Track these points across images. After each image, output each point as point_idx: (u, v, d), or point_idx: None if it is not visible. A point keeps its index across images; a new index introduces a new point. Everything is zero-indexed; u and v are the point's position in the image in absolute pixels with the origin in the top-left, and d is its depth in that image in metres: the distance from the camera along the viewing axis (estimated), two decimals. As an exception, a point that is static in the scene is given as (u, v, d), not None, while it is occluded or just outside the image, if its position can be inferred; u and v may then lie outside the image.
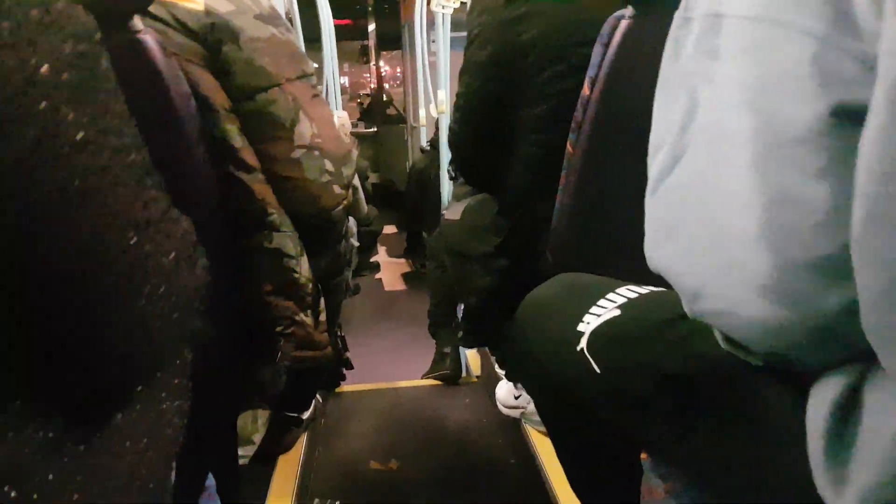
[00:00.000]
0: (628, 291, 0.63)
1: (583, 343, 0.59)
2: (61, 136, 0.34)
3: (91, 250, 0.37)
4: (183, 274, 0.44)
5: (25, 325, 0.37)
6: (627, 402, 0.55)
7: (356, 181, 1.66)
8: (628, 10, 0.77)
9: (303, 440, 1.56)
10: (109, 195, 0.37)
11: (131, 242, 0.38)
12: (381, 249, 4.13)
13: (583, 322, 0.61)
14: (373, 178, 5.67)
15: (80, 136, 0.35)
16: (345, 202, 1.02)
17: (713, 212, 0.39)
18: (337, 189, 0.98)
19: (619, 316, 0.59)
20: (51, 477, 0.39)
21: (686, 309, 0.44)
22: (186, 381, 0.56)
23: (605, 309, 0.60)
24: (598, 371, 0.57)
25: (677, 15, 0.45)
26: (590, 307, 0.62)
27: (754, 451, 0.45)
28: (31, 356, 0.38)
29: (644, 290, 0.63)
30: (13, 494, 0.37)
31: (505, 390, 1.63)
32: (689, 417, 0.50)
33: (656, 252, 0.46)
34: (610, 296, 0.62)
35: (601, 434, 0.63)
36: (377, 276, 3.72)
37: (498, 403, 1.65)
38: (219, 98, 0.85)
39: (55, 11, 0.36)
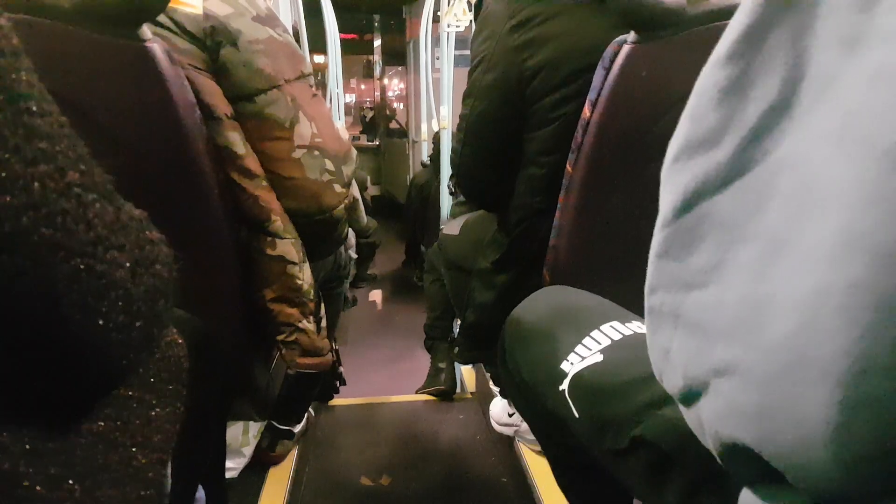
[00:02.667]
0: (613, 331, 0.60)
1: (565, 384, 0.58)
2: None
3: (36, 285, 0.34)
4: (142, 279, 0.41)
5: None
6: (604, 451, 0.54)
7: (356, 192, 1.66)
8: (631, 36, 0.79)
9: (294, 453, 1.55)
10: (47, 228, 0.34)
11: (80, 268, 0.36)
12: (379, 261, 4.13)
13: (566, 361, 0.60)
14: (373, 190, 5.70)
15: (0, 174, 0.31)
16: (346, 201, 1.02)
17: (779, 289, 0.27)
18: (338, 188, 0.98)
19: (600, 362, 0.57)
20: (38, 488, 0.39)
21: (688, 379, 0.34)
22: (181, 387, 0.56)
23: (590, 351, 0.59)
24: (577, 416, 0.57)
25: None
26: (574, 345, 0.60)
27: None
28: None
29: (629, 329, 0.61)
30: None
31: (499, 407, 1.63)
32: (660, 480, 0.48)
33: (670, 293, 0.35)
34: (595, 334, 0.60)
35: (590, 463, 0.62)
36: (374, 288, 3.72)
37: (492, 420, 1.65)
38: (221, 105, 0.85)
39: None
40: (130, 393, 0.50)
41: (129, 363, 0.44)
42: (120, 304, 0.39)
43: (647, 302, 0.37)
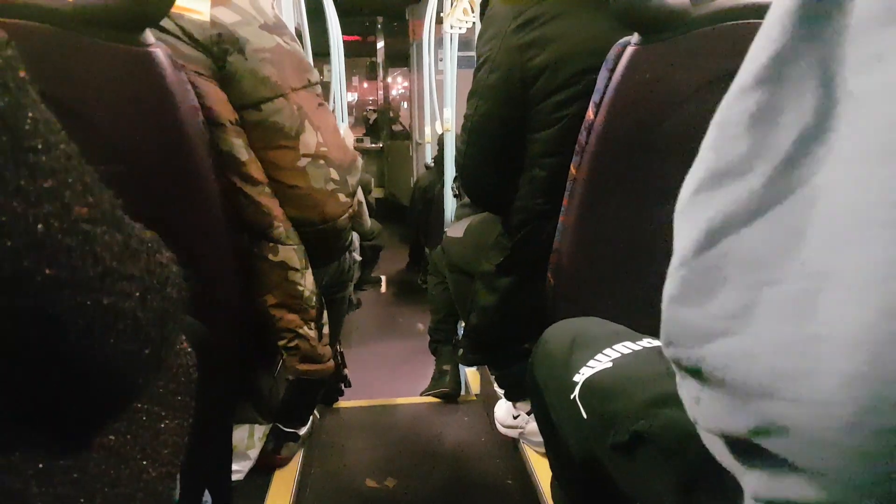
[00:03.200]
0: (624, 348, 0.62)
1: (576, 392, 0.59)
2: None
3: (41, 323, 0.34)
4: (152, 304, 0.41)
5: None
6: (607, 449, 0.55)
7: (360, 195, 1.66)
8: (634, 37, 0.78)
9: (299, 456, 1.55)
10: (51, 268, 0.33)
11: (86, 303, 0.35)
12: (383, 264, 4.13)
13: (578, 374, 0.61)
14: (377, 192, 5.71)
15: (1, 217, 0.30)
16: (350, 210, 1.02)
17: (822, 335, 0.24)
18: (342, 197, 0.98)
19: (609, 368, 0.59)
20: None
21: (727, 436, 0.31)
22: (189, 399, 0.56)
23: (600, 363, 0.60)
24: (585, 416, 0.58)
25: None
26: (587, 361, 0.62)
27: None
28: (7, 390, 0.37)
29: (639, 346, 0.62)
30: None
31: (504, 410, 1.63)
32: (658, 478, 0.48)
33: (688, 347, 0.31)
34: (606, 350, 0.61)
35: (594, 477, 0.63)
36: (378, 290, 3.72)
37: (496, 423, 1.64)
38: (225, 111, 0.85)
39: None
40: (139, 405, 0.50)
41: (138, 386, 0.44)
42: (128, 332, 0.39)
43: (665, 352, 0.34)
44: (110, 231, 0.38)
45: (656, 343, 0.63)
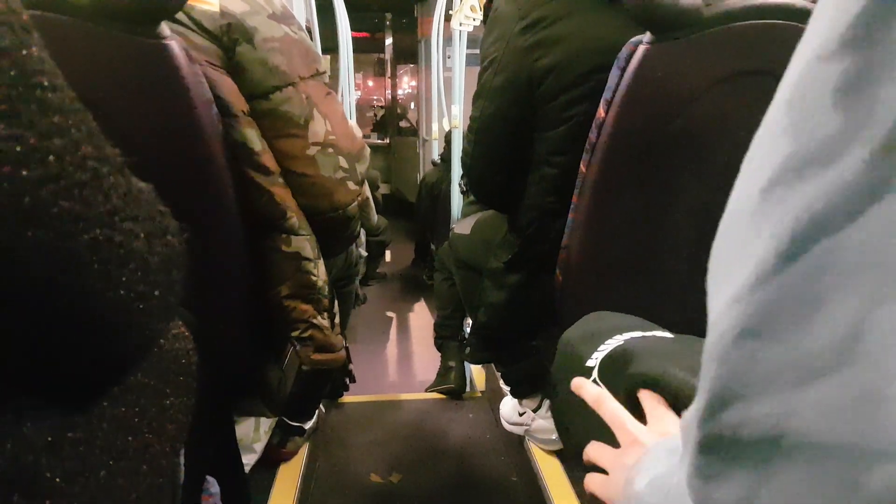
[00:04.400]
0: (635, 333, 0.63)
1: (594, 375, 0.60)
2: None
3: (59, 257, 0.35)
4: (156, 248, 0.42)
5: (3, 328, 0.36)
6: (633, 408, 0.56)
7: (367, 191, 1.67)
8: (646, 36, 0.78)
9: (304, 450, 1.56)
10: (65, 200, 0.34)
11: (100, 238, 0.37)
12: (389, 260, 4.14)
13: (591, 359, 0.62)
14: (384, 188, 5.71)
15: (16, 147, 0.31)
16: (359, 198, 1.03)
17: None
18: (351, 185, 0.99)
19: (622, 345, 0.60)
20: (58, 480, 0.39)
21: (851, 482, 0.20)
22: (191, 380, 0.57)
23: (610, 345, 0.62)
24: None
25: None
26: (598, 347, 0.63)
27: None
28: (15, 356, 0.38)
29: (650, 333, 0.63)
30: (22, 501, 0.37)
31: (509, 406, 1.63)
32: None
33: (757, 402, 0.22)
34: (617, 336, 0.63)
35: None
36: (384, 286, 3.72)
37: (502, 419, 1.65)
38: (238, 102, 0.86)
39: None
40: (146, 381, 0.51)
41: (150, 333, 0.45)
42: (139, 273, 0.40)
43: (702, 432, 0.25)
44: (115, 173, 0.39)
45: (668, 334, 0.63)
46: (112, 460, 0.44)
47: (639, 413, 0.53)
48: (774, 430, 0.22)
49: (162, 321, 0.45)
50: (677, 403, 0.51)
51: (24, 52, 0.33)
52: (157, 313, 0.43)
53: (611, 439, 0.55)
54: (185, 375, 0.56)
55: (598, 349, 0.62)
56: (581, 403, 0.60)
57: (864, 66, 0.21)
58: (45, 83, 0.34)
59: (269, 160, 0.90)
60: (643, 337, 0.62)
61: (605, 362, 0.60)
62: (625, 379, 0.55)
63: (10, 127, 0.31)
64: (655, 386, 0.52)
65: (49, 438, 0.40)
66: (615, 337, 0.63)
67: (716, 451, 0.24)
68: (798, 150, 0.22)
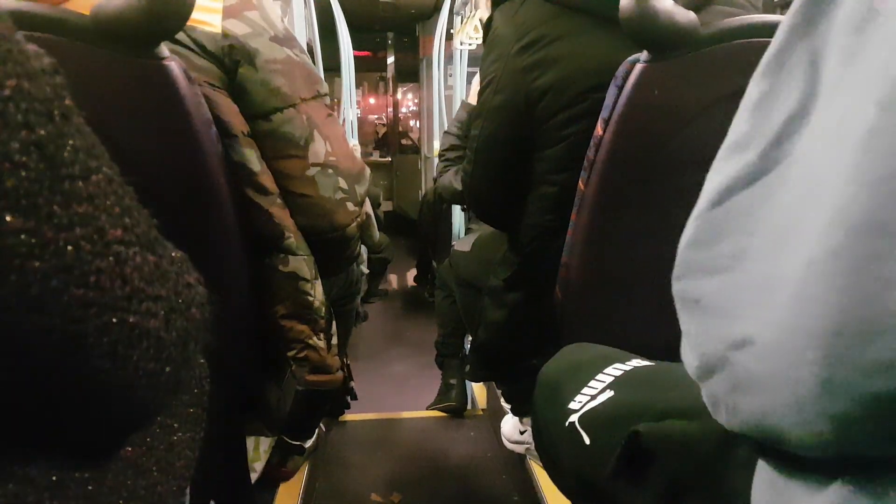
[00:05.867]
0: (615, 370, 0.64)
1: (574, 418, 0.61)
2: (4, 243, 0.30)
3: (66, 340, 0.34)
4: (175, 324, 0.41)
5: (14, 389, 0.36)
6: (613, 472, 0.55)
7: (368, 208, 1.67)
8: (643, 55, 0.79)
9: (304, 469, 1.54)
10: (78, 288, 0.34)
11: (112, 322, 0.36)
12: (391, 277, 4.13)
13: (574, 401, 0.63)
14: (386, 206, 5.73)
15: (30, 240, 0.31)
16: (358, 219, 1.03)
17: (785, 269, 0.30)
18: (351, 206, 0.99)
19: (612, 397, 0.61)
20: None
21: (705, 357, 0.37)
22: (201, 411, 0.56)
23: (596, 389, 0.63)
24: (587, 442, 0.59)
25: None
26: (581, 388, 0.64)
27: None
28: (27, 405, 0.38)
29: (629, 366, 0.64)
30: None
31: (510, 425, 1.62)
32: (669, 498, 0.49)
33: (695, 279, 0.38)
34: (599, 376, 0.64)
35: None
36: (386, 303, 3.72)
37: (503, 438, 1.64)
38: (238, 123, 0.86)
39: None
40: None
41: (155, 405, 0.44)
42: (151, 351, 0.39)
43: (674, 289, 0.41)
44: (142, 252, 0.38)
45: (646, 363, 0.65)
46: (121, 500, 0.44)
47: (633, 467, 0.53)
48: (697, 295, 0.37)
49: (170, 394, 0.45)
50: (682, 448, 0.51)
51: (60, 142, 0.32)
52: (164, 388, 0.42)
53: (601, 470, 0.55)
54: (196, 406, 0.56)
55: (582, 391, 0.63)
56: (569, 439, 0.60)
57: (770, 88, 0.34)
58: (77, 172, 0.33)
59: (268, 180, 0.90)
60: (625, 373, 0.63)
61: (592, 416, 0.60)
62: (622, 439, 0.55)
63: (26, 220, 0.31)
64: (658, 441, 0.52)
65: (54, 478, 0.39)
66: (598, 376, 0.64)
67: (677, 302, 0.40)
68: (731, 138, 0.37)
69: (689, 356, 0.39)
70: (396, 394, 2.45)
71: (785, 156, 0.33)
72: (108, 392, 0.39)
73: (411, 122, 6.46)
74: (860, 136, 0.26)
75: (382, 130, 6.62)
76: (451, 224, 2.27)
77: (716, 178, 0.37)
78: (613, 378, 0.62)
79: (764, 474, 0.36)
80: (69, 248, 0.33)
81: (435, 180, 3.39)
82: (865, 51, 0.28)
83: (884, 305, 0.25)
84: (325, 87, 0.96)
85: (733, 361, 0.34)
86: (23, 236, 0.30)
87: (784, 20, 0.34)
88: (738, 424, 0.35)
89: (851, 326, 0.26)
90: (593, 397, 0.61)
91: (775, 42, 0.34)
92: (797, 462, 0.33)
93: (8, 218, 0.30)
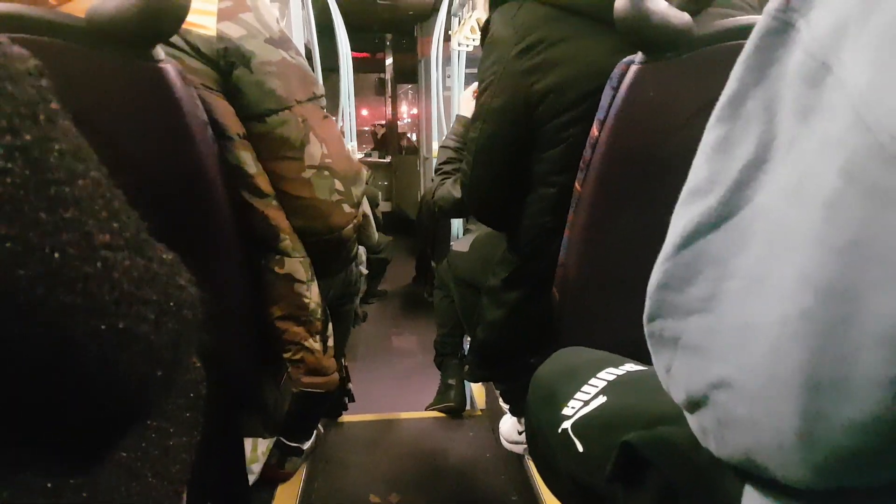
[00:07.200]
0: (608, 374, 0.64)
1: (567, 424, 0.61)
2: None
3: (54, 347, 0.34)
4: (166, 326, 0.41)
5: (3, 394, 0.35)
6: (603, 478, 0.55)
7: (366, 209, 1.67)
8: (639, 56, 0.79)
9: (303, 470, 1.55)
10: (66, 294, 0.33)
11: (101, 327, 0.35)
12: (390, 277, 4.14)
13: (568, 407, 0.63)
14: (385, 206, 5.74)
15: (16, 248, 0.30)
16: (355, 221, 1.03)
17: (759, 317, 0.31)
18: (347, 207, 0.99)
19: (606, 402, 0.61)
20: None
21: (690, 393, 0.37)
22: (197, 414, 0.56)
23: (589, 395, 0.63)
24: (581, 450, 0.59)
25: (772, 10, 0.32)
26: (574, 393, 0.64)
27: None
28: (18, 411, 0.37)
29: (622, 370, 0.65)
30: None
31: (509, 425, 1.62)
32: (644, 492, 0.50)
33: (673, 319, 0.38)
34: (592, 381, 0.64)
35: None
36: (384, 304, 3.72)
37: (501, 438, 1.64)
38: (233, 125, 0.86)
39: None
40: (150, 422, 0.50)
41: (147, 406, 0.44)
42: (141, 355, 0.39)
43: (647, 329, 0.41)
44: (132, 256, 0.38)
45: (639, 367, 0.66)
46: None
47: (628, 473, 0.53)
48: (677, 335, 0.38)
49: (161, 396, 0.45)
50: (675, 454, 0.51)
51: (45, 146, 0.32)
52: (155, 389, 0.42)
53: (595, 476, 0.55)
54: (192, 410, 0.55)
55: (575, 396, 0.63)
56: (563, 446, 0.61)
57: (726, 134, 0.35)
58: (63, 177, 0.33)
59: (263, 182, 0.90)
60: (618, 378, 0.63)
61: (585, 423, 0.61)
62: (615, 447, 0.55)
63: (11, 227, 0.30)
64: (651, 449, 0.52)
65: (49, 484, 0.39)
66: (591, 381, 0.64)
67: (651, 340, 0.41)
68: (692, 183, 0.37)
69: (675, 390, 0.40)
70: (395, 394, 2.46)
71: (746, 202, 0.33)
72: (99, 395, 0.39)
73: (410, 123, 6.47)
74: (823, 201, 0.27)
75: (381, 131, 6.63)
76: (449, 224, 2.27)
77: (679, 223, 0.37)
78: (606, 383, 0.63)
79: (754, 490, 0.37)
80: (55, 254, 0.32)
81: (432, 194, 3.40)
82: (820, 109, 0.28)
83: (855, 367, 0.26)
84: (320, 89, 0.96)
85: (715, 400, 0.35)
86: (8, 244, 0.30)
87: (736, 66, 0.35)
88: (726, 455, 0.36)
89: (826, 384, 0.27)
90: (586, 403, 0.61)
91: (729, 88, 0.35)
92: (785, 490, 0.33)
93: None
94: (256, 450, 1.35)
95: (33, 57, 0.33)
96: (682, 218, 0.37)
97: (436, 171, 1.60)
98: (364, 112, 6.73)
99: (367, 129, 6.71)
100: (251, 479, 1.33)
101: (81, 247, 0.34)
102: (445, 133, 2.73)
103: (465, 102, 1.62)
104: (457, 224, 2.22)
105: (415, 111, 6.34)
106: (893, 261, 0.24)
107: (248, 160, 0.88)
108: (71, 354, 0.35)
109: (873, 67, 0.25)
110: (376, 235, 2.53)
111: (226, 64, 0.84)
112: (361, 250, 1.50)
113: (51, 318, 0.33)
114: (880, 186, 0.24)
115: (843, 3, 0.28)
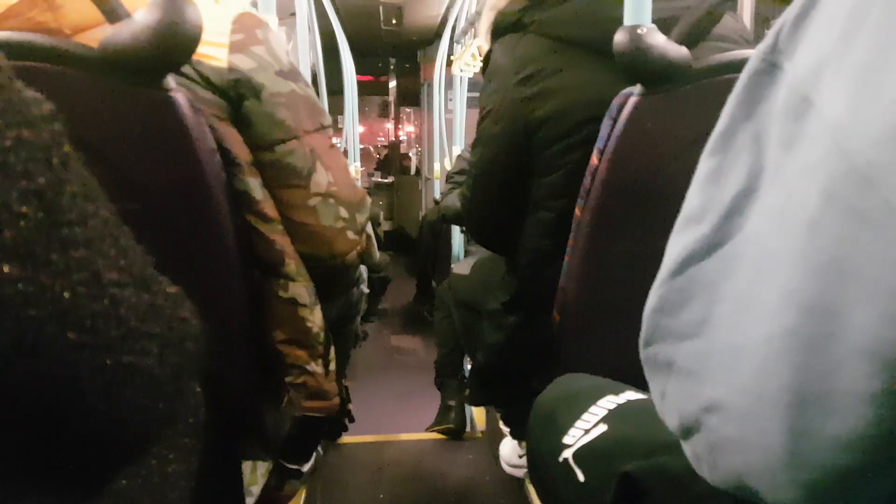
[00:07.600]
0: (608, 402, 0.65)
1: (568, 454, 0.62)
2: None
3: (59, 384, 0.34)
4: (169, 359, 0.41)
5: (5, 427, 0.35)
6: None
7: (369, 228, 1.68)
8: (637, 88, 0.81)
9: (302, 493, 1.54)
10: (73, 332, 0.33)
11: (107, 363, 0.35)
12: (391, 296, 4.14)
13: (568, 435, 0.64)
14: (386, 225, 5.76)
15: (28, 289, 0.30)
16: (358, 248, 1.04)
17: (747, 339, 0.32)
18: (351, 234, 1.00)
19: (606, 431, 0.61)
20: None
21: (683, 418, 0.38)
22: (196, 441, 0.56)
23: (590, 423, 0.63)
24: (582, 480, 0.59)
25: (761, 52, 0.35)
26: (574, 421, 0.65)
27: None
28: (20, 442, 0.37)
29: (623, 398, 0.65)
30: None
31: (509, 448, 1.61)
32: None
33: (666, 344, 0.39)
34: (592, 409, 0.65)
35: None
36: (385, 323, 3.72)
37: (502, 461, 1.63)
38: (241, 152, 0.88)
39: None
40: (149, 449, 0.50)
41: (148, 438, 0.44)
42: (144, 388, 0.39)
43: (642, 354, 0.42)
44: (137, 291, 0.38)
45: (639, 395, 0.66)
46: None
47: (628, 503, 0.54)
48: (671, 359, 0.39)
49: (163, 428, 0.45)
50: (674, 484, 0.51)
51: (58, 189, 0.32)
52: (156, 422, 0.43)
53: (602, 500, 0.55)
54: (191, 437, 0.56)
55: (576, 425, 0.63)
56: (564, 475, 0.61)
57: (718, 166, 0.37)
58: (74, 219, 0.33)
59: (269, 208, 0.92)
60: (618, 407, 0.64)
61: (586, 452, 0.61)
62: (615, 476, 0.56)
63: (23, 269, 0.30)
64: (650, 479, 0.53)
65: None
66: (591, 409, 0.64)
67: (647, 365, 0.42)
68: (686, 211, 0.39)
69: (669, 416, 0.41)
70: (395, 414, 2.45)
71: (737, 229, 0.35)
72: (101, 428, 0.39)
73: (412, 144, 6.51)
74: (805, 222, 0.28)
75: (384, 152, 6.68)
76: (450, 244, 2.28)
77: (674, 249, 0.39)
78: (607, 411, 0.63)
79: None
80: (65, 294, 0.32)
81: (436, 201, 3.42)
82: (803, 139, 0.30)
83: (838, 383, 0.27)
84: (328, 120, 0.98)
85: (707, 424, 0.35)
86: (20, 285, 0.30)
87: (728, 103, 0.37)
88: (719, 481, 0.37)
89: (812, 401, 0.28)
90: (587, 431, 0.62)
91: (721, 122, 0.37)
92: None
93: (5, 268, 0.29)
94: (255, 472, 1.35)
95: (47, 100, 0.34)
96: (677, 244, 0.39)
97: (447, 178, 1.62)
98: (361, 129, 6.79)
99: (363, 146, 6.76)
100: (250, 501, 1.33)
101: (90, 285, 0.34)
102: (447, 154, 2.76)
103: None
104: (457, 245, 2.24)
105: (410, 129, 6.40)
106: (871, 277, 0.25)
107: (255, 186, 0.90)
108: (76, 390, 0.35)
109: (849, 99, 0.27)
110: (378, 255, 2.54)
111: (236, 95, 0.86)
112: (363, 269, 1.51)
113: (58, 355, 0.33)
114: (857, 207, 0.26)
115: (824, 44, 0.30)
